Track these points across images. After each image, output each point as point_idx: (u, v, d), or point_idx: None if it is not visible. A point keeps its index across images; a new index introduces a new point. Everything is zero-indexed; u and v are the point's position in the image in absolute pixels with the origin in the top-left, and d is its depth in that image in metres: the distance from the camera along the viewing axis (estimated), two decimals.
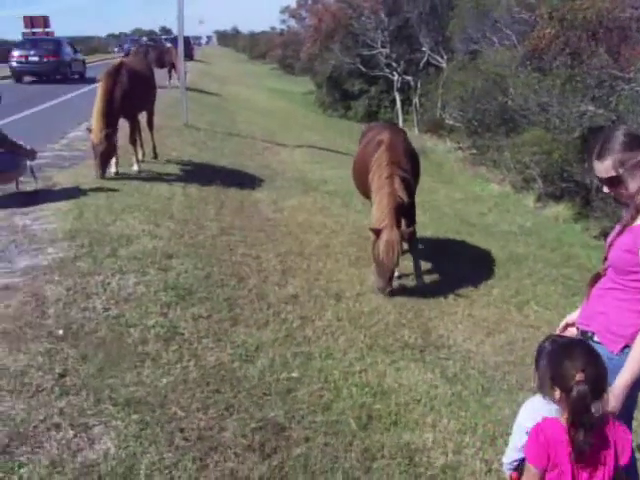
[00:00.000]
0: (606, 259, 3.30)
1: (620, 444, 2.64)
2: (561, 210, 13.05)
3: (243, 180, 10.63)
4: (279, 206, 9.44)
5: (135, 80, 9.75)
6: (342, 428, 4.30)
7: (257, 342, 5.19)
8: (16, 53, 26.38)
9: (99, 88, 9.27)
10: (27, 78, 26.65)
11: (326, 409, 4.48)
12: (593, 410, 2.52)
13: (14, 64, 26.20)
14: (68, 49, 28.40)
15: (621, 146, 3.10)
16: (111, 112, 9.13)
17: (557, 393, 2.59)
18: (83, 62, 30.45)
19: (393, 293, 6.76)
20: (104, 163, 9.08)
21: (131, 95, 9.51)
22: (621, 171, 3.09)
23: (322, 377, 4.88)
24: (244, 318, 5.58)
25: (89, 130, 9.20)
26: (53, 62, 26.18)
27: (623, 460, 2.64)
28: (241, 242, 7.46)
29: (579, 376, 2.49)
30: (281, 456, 3.87)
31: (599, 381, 2.55)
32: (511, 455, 3.01)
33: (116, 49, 61.29)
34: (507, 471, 3.10)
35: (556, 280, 8.74)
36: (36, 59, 25.93)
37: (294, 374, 4.83)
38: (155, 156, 11.23)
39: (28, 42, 28.78)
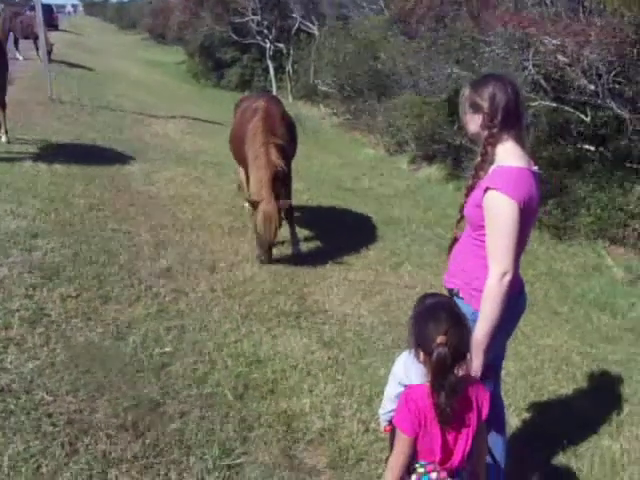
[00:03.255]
0: (460, 220, 3.39)
1: (480, 401, 2.69)
2: (434, 171, 13.32)
3: (113, 154, 10.28)
4: (151, 179, 9.20)
5: None
6: (218, 400, 4.27)
7: (129, 319, 5.05)
8: None
9: None
10: None
11: (201, 382, 4.43)
12: (455, 373, 2.54)
13: None
14: None
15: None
16: None
17: (421, 355, 2.60)
18: None
19: (267, 262, 6.73)
20: None
21: None
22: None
23: (196, 350, 4.81)
24: (115, 295, 5.41)
25: None
26: None
27: (484, 417, 2.70)
28: (111, 217, 7.22)
29: (440, 339, 2.48)
30: (155, 433, 3.80)
31: (461, 344, 2.55)
32: (386, 405, 3.04)
33: None
34: (382, 422, 3.14)
35: (430, 240, 8.97)
36: None
37: (167, 349, 4.75)
38: (7, 140, 9.98)
39: None
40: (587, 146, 11.16)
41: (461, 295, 3.25)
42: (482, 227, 3.09)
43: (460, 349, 2.54)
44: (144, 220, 7.37)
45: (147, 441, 3.71)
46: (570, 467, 4.40)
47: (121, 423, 3.81)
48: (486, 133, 3.17)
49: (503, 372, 5.16)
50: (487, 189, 3.02)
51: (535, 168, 3.23)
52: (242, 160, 7.39)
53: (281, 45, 24.46)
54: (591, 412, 5.19)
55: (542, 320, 7.07)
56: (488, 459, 3.45)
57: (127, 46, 39.94)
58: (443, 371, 2.50)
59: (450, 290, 3.35)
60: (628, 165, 10.35)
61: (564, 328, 7.01)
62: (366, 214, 9.72)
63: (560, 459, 4.46)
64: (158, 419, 3.94)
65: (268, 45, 24.50)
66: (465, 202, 3.27)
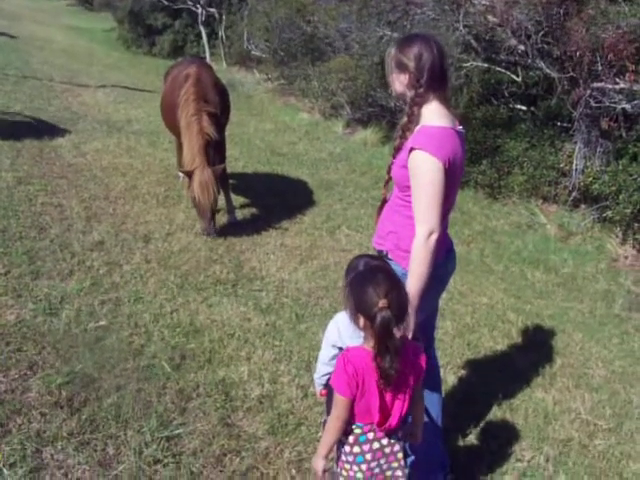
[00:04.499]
0: (388, 181, 3.39)
1: (418, 362, 2.72)
2: (369, 134, 13.27)
3: (41, 125, 9.98)
4: (81, 150, 8.98)
5: None
6: (155, 372, 4.24)
7: (61, 294, 4.96)
8: None
9: None
10: None
11: (137, 354, 4.39)
12: (396, 335, 2.53)
13: None
14: None
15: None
16: None
17: (361, 321, 2.56)
18: None
19: (211, 232, 6.67)
20: None
21: None
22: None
23: (132, 322, 4.76)
24: (46, 270, 5.30)
25: None
26: None
27: (421, 377, 2.73)
28: (41, 191, 7.04)
29: (382, 302, 2.45)
30: (91, 408, 3.76)
31: (401, 305, 2.54)
32: (321, 369, 3.05)
33: None
34: (317, 387, 3.15)
35: (366, 203, 8.99)
36: None
37: (102, 322, 4.68)
38: None
39: None
40: (519, 106, 11.27)
41: (390, 257, 3.26)
42: (409, 188, 3.09)
43: (400, 311, 2.53)
44: (75, 193, 7.21)
45: (83, 417, 3.67)
46: (505, 420, 4.52)
47: (55, 400, 3.75)
48: (412, 93, 3.15)
49: (441, 331, 5.30)
50: (412, 149, 3.02)
51: (460, 127, 3.24)
52: (173, 127, 7.28)
53: (213, 10, 23.89)
54: (526, 366, 5.33)
55: (478, 279, 7.18)
56: (425, 417, 3.51)
57: (51, 12, 38.46)
58: (388, 335, 2.49)
59: (380, 252, 3.35)
60: (558, 124, 10.51)
61: (499, 286, 7.14)
62: (302, 179, 9.68)
63: (496, 413, 4.57)
64: (94, 394, 3.89)
65: (200, 10, 23.91)
66: (392, 163, 3.27)
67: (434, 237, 3.00)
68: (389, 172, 3.32)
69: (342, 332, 2.89)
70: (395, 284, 2.56)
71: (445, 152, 3.01)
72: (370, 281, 2.55)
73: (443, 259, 3.24)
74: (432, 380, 3.64)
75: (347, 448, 2.72)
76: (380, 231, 3.39)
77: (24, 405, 3.67)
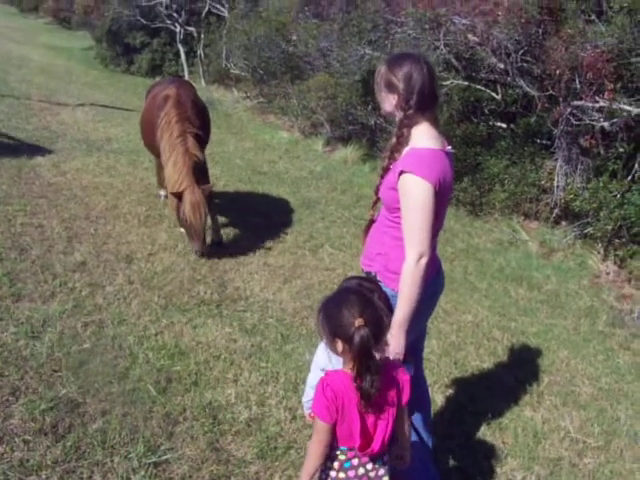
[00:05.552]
0: (376, 201, 3.36)
1: (401, 385, 2.67)
2: (349, 152, 13.27)
3: (19, 145, 9.87)
4: (61, 169, 8.88)
5: None
6: (141, 395, 4.16)
7: (43, 316, 4.86)
8: None
9: None
10: None
11: (122, 378, 4.31)
12: (375, 353, 2.50)
13: None
14: None
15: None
16: None
17: (339, 345, 2.51)
18: None
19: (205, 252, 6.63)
20: None
21: None
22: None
23: (116, 345, 4.68)
24: (28, 292, 5.20)
25: None
26: None
27: (405, 400, 2.69)
28: (20, 211, 6.93)
29: (358, 322, 2.42)
30: (76, 435, 3.67)
31: (378, 323, 2.50)
32: (309, 393, 3.01)
33: None
34: (306, 410, 3.12)
35: (348, 221, 8.98)
36: None
37: (86, 345, 4.60)
38: None
39: None
40: (499, 123, 11.34)
41: (379, 278, 3.22)
42: (397, 209, 3.06)
43: (378, 328, 2.50)
44: (56, 213, 7.11)
45: (68, 444, 3.58)
46: (495, 440, 4.50)
47: (39, 427, 3.67)
48: (402, 115, 3.13)
49: (427, 350, 5.26)
50: (402, 172, 2.99)
51: (449, 148, 3.23)
52: (153, 147, 7.24)
53: (192, 29, 23.87)
54: (513, 385, 5.32)
55: (462, 297, 7.17)
56: (415, 438, 3.48)
57: (29, 31, 38.20)
58: (367, 354, 2.45)
59: (368, 273, 3.32)
60: (538, 141, 10.58)
61: (484, 303, 7.13)
62: (283, 197, 9.65)
63: (485, 433, 4.55)
64: (79, 420, 3.81)
65: (178, 29, 23.89)
66: (380, 184, 3.24)
67: (424, 260, 2.98)
68: (377, 193, 3.30)
69: (332, 356, 2.85)
70: (368, 302, 2.52)
71: (435, 174, 2.99)
72: (343, 303, 2.52)
73: (432, 279, 3.22)
74: (421, 401, 3.61)
75: (333, 474, 2.68)
76: (368, 252, 3.36)
77: (6, 433, 3.58)
